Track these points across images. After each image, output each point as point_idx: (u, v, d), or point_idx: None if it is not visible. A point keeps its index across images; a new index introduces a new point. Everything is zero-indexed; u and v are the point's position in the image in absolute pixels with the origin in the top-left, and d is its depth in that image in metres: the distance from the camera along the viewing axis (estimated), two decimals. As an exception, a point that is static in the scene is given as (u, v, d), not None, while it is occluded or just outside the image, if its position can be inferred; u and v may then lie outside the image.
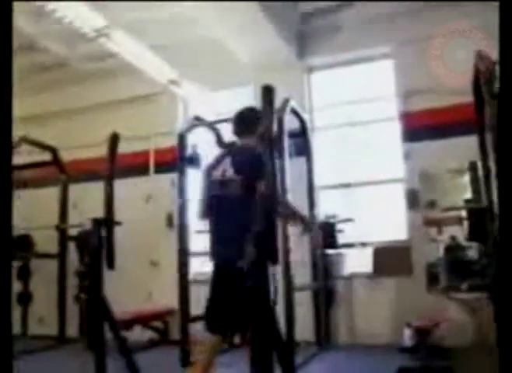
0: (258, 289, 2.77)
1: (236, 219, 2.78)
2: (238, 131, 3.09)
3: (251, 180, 2.76)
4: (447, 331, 4.77)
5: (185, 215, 4.88)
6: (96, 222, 2.72)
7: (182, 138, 4.86)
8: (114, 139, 3.46)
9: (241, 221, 2.73)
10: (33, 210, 6.76)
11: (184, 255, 4.73)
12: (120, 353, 2.82)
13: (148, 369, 3.05)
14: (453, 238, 5.49)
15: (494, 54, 4.10)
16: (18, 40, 6.02)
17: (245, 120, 3.09)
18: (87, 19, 4.35)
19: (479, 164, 4.94)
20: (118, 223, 3.03)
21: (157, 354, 5.51)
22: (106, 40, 4.54)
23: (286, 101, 4.60)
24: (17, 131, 6.57)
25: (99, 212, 6.34)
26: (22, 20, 5.81)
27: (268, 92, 2.80)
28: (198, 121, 5.16)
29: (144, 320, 5.81)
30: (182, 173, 4.85)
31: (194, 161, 4.88)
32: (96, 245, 2.66)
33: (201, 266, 6.17)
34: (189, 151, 4.98)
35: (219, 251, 2.91)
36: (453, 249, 5.50)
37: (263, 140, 2.91)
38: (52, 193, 6.95)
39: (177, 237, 4.96)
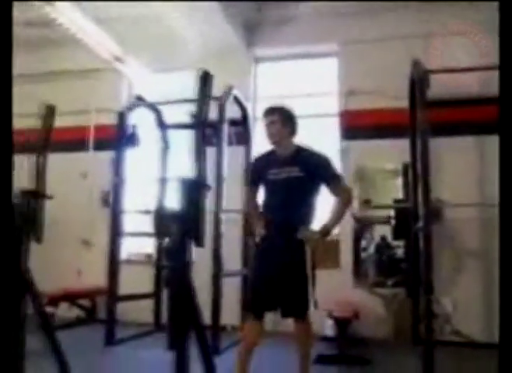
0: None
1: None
2: (289, 129, 3.32)
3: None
4: (365, 323, 5.01)
5: (120, 194, 4.85)
6: (25, 193, 2.68)
7: (122, 117, 4.82)
8: (50, 111, 3.39)
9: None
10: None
11: (116, 234, 4.70)
12: (42, 330, 2.80)
13: (70, 346, 3.04)
14: (383, 238, 5.76)
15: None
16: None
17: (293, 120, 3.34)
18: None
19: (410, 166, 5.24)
20: (49, 197, 2.98)
21: (82, 332, 5.48)
22: (52, 8, 4.39)
23: (229, 89, 4.64)
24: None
25: (26, 184, 6.26)
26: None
27: (206, 78, 2.83)
28: (140, 101, 5.12)
29: (71, 297, 5.75)
30: (120, 152, 4.81)
31: (132, 140, 4.85)
32: (24, 216, 2.63)
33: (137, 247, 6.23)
34: (129, 130, 4.94)
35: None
36: (382, 247, 5.78)
37: (198, 125, 2.97)
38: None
39: (110, 215, 4.93)
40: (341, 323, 4.70)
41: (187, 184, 2.25)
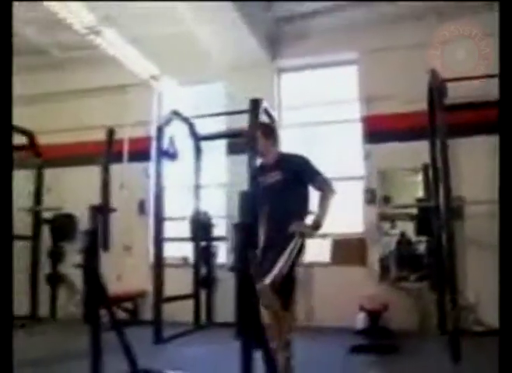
0: None
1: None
2: (271, 142, 3.71)
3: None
4: (392, 315, 5.32)
5: (161, 202, 5.22)
6: (94, 208, 3.06)
7: (160, 130, 5.18)
8: (111, 132, 3.81)
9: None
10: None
11: (159, 239, 5.08)
12: (112, 330, 3.18)
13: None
14: (402, 234, 6.06)
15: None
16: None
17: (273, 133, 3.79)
18: (78, 15, 4.59)
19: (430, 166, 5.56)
20: (113, 209, 3.37)
21: (129, 333, 5.84)
22: (96, 36, 4.79)
23: (259, 101, 4.98)
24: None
25: (76, 196, 6.70)
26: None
27: (255, 104, 3.20)
28: (176, 115, 5.50)
29: (117, 300, 6.12)
30: (159, 164, 5.18)
31: (171, 153, 5.22)
32: (94, 228, 3.01)
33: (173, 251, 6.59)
34: (166, 143, 5.31)
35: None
36: (403, 243, 6.07)
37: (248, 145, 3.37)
38: (24, 176, 7.17)
39: (153, 223, 5.29)
40: (372, 315, 5.03)
41: (245, 196, 2.60)
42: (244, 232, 2.44)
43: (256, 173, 3.85)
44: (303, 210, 3.58)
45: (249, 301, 2.53)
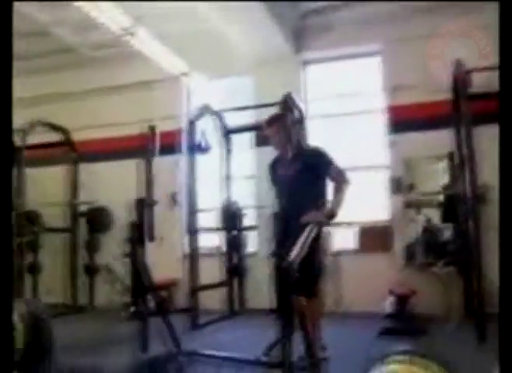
0: None
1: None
2: (289, 135, 3.78)
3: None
4: (420, 300, 5.47)
5: (194, 194, 5.43)
6: (139, 201, 3.29)
7: (192, 124, 5.38)
8: (153, 128, 4.10)
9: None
10: (40, 188, 7.24)
11: (193, 230, 5.29)
12: (158, 315, 3.43)
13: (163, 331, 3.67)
14: (428, 220, 6.19)
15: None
16: (30, 26, 6.52)
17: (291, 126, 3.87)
18: (111, 15, 4.81)
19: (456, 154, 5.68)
20: (155, 202, 3.60)
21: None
22: (131, 37, 5.00)
23: (288, 94, 5.14)
24: (29, 110, 7.08)
25: (111, 190, 6.97)
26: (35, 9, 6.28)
27: (288, 100, 3.39)
28: (206, 109, 5.69)
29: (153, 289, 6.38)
30: (192, 157, 5.39)
31: (203, 147, 5.42)
32: (140, 220, 3.24)
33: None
34: (198, 137, 5.51)
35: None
36: (428, 230, 6.20)
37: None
38: (57, 172, 7.48)
39: (186, 214, 5.50)
40: (401, 299, 5.21)
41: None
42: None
43: (273, 166, 3.94)
44: (320, 201, 3.65)
45: (289, 284, 2.73)
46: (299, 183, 3.66)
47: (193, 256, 5.21)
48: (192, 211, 5.26)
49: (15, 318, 3.32)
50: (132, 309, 3.77)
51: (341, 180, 3.59)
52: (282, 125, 3.81)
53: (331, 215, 3.47)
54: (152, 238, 3.44)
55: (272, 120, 3.86)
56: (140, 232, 3.20)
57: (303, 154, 3.76)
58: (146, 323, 3.44)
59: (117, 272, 6.27)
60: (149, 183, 3.81)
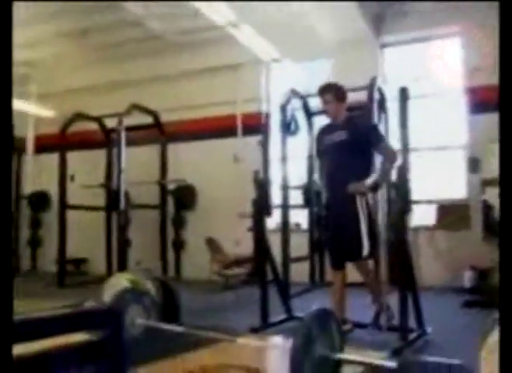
0: None
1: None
2: (342, 104, 3.92)
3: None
4: (497, 275, 5.70)
5: (286, 173, 5.73)
6: (257, 181, 3.71)
7: (283, 109, 5.71)
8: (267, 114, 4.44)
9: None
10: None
11: (284, 207, 5.62)
12: (276, 285, 3.85)
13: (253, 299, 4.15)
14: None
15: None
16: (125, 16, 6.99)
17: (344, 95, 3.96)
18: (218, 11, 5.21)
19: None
20: (270, 181, 4.01)
21: (253, 290, 6.57)
22: (234, 29, 5.37)
23: (374, 79, 5.39)
24: (121, 94, 7.60)
25: (195, 169, 7.47)
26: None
27: (403, 92, 3.75)
28: (294, 93, 6.00)
29: (241, 262, 6.84)
30: (284, 138, 5.72)
31: (293, 128, 5.74)
32: (262, 197, 3.65)
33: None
34: (288, 119, 5.82)
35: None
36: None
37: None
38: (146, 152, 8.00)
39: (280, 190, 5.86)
40: (482, 273, 5.47)
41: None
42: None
43: (320, 136, 4.10)
44: (364, 172, 3.71)
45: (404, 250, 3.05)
46: (346, 150, 3.74)
47: (285, 231, 5.56)
48: (284, 187, 5.59)
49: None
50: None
51: (389, 156, 3.67)
52: (336, 95, 3.87)
53: (375, 187, 3.63)
54: (269, 213, 3.84)
55: (325, 89, 3.94)
56: (261, 209, 3.61)
57: (355, 123, 3.87)
58: (266, 290, 3.86)
59: (219, 244, 6.75)
60: (266, 164, 4.19)
